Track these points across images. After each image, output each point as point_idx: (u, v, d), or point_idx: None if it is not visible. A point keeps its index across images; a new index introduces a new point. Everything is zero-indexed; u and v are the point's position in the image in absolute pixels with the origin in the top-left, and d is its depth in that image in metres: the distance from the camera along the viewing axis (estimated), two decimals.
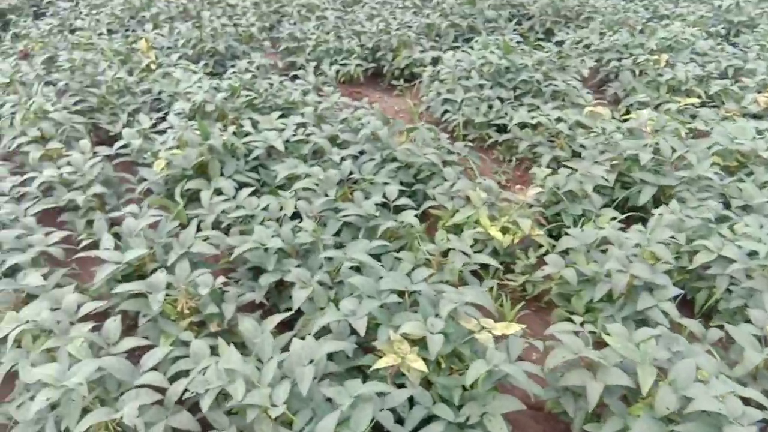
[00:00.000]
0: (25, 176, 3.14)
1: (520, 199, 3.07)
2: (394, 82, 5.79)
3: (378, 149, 3.52)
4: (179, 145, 3.38)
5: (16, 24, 6.46)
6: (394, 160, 3.48)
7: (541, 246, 2.96)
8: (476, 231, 2.84)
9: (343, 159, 3.38)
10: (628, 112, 4.87)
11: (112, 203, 3.24)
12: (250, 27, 5.82)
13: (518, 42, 5.45)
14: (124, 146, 3.61)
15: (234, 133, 3.61)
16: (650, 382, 1.88)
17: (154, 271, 2.47)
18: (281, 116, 3.98)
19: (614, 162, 3.51)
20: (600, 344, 2.13)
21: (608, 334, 2.08)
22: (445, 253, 2.78)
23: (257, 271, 2.74)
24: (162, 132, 3.92)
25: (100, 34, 5.86)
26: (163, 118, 4.16)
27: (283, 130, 3.76)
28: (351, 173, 3.22)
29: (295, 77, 5.07)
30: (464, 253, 2.62)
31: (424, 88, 5.36)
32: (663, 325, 2.25)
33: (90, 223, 3.15)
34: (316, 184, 3.05)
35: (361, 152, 3.54)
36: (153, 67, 4.94)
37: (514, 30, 6.79)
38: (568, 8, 6.89)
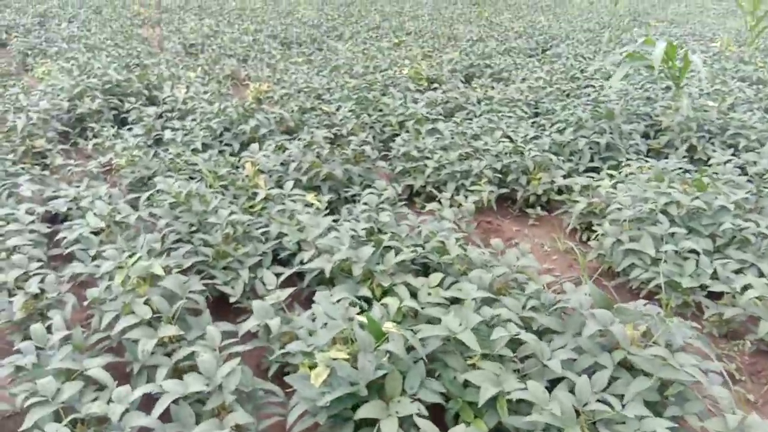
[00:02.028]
0: (138, 391, 2.27)
1: None
2: (528, 210, 4.95)
3: (599, 346, 2.58)
4: (336, 341, 2.50)
5: (99, 134, 5.91)
6: (625, 363, 2.53)
7: None
8: None
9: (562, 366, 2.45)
10: None
11: (252, 429, 2.34)
12: (362, 146, 5.10)
13: (685, 171, 4.59)
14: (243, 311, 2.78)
15: (398, 310, 2.75)
16: None
17: None
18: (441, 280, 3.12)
19: None
20: None
21: None
22: None
23: None
24: (288, 283, 3.07)
25: (193, 149, 5.21)
26: (298, 277, 3.35)
27: (451, 303, 2.89)
28: (586, 403, 2.27)
29: (431, 212, 4.25)
30: None
31: (574, 221, 4.49)
32: None
33: None
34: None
35: (576, 349, 2.61)
36: (261, 193, 4.19)
37: (648, 146, 5.97)
38: (708, 121, 6.06)
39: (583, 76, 8.75)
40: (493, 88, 8.25)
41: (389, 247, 3.38)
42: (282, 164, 4.83)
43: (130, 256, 3.13)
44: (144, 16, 15.13)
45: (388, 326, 2.47)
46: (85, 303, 2.88)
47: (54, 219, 4.14)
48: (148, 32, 12.98)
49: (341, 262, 3.22)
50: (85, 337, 2.72)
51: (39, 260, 3.38)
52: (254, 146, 4.85)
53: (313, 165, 4.64)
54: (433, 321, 2.87)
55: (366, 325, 2.47)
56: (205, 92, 7.02)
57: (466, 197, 4.55)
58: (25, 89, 7.19)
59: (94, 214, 3.57)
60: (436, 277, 3.10)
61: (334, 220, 3.86)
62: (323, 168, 4.60)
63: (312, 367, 2.43)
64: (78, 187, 4.41)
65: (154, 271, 2.89)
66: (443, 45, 11.93)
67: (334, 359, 2.35)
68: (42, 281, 3.11)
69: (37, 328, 2.58)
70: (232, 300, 3.17)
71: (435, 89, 8.18)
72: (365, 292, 3.08)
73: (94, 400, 2.34)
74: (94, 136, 6.16)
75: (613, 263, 3.80)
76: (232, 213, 3.71)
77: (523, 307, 2.85)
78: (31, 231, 3.60)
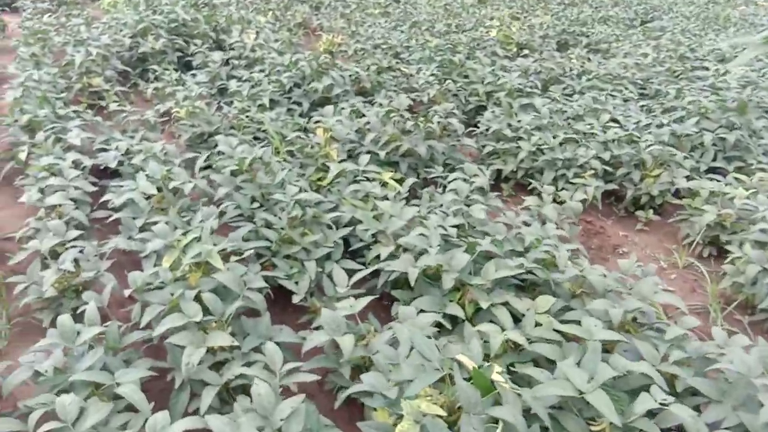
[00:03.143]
0: (177, 426, 1.78)
1: None
2: (638, 213, 4.22)
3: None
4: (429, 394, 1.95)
5: (160, 77, 5.45)
6: None
7: None
8: None
9: None
10: None
11: None
12: (447, 118, 4.45)
13: None
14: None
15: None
16: None
17: None
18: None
19: None
20: None
21: None
22: None
23: None
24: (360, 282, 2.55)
25: (260, 105, 4.67)
26: (373, 275, 2.81)
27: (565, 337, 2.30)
28: None
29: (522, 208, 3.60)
30: None
31: (700, 235, 3.76)
32: None
33: None
34: None
35: (737, 429, 1.98)
36: (333, 167, 3.62)
37: None
38: None
39: (694, 56, 7.72)
40: (589, 59, 7.36)
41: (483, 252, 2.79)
42: (357, 131, 4.24)
43: (184, 234, 2.65)
44: None
45: (497, 377, 1.90)
46: (127, 292, 2.41)
47: (103, 173, 3.71)
48: None
49: (432, 270, 2.66)
50: (122, 333, 2.27)
51: (79, 225, 2.95)
52: (328, 109, 4.26)
53: (392, 138, 4.03)
54: (541, 361, 2.30)
55: (470, 372, 1.91)
56: (276, 40, 6.44)
57: (569, 192, 3.87)
58: (88, 20, 6.79)
59: (146, 175, 3.09)
60: (544, 301, 2.49)
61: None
62: (404, 143, 3.99)
63: (393, 416, 1.91)
64: (132, 138, 3.97)
65: (211, 260, 2.40)
66: (532, 6, 10.93)
67: (427, 415, 1.80)
68: (81, 252, 2.68)
69: (64, 320, 2.13)
70: (295, 299, 2.65)
71: (525, 56, 7.37)
72: (455, 309, 2.51)
73: (124, 426, 1.89)
74: (155, 79, 5.71)
75: (754, 296, 3.10)
76: (300, 190, 3.17)
77: (663, 359, 2.23)
78: (75, 188, 3.17)
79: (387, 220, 2.99)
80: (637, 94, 6.02)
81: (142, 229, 2.89)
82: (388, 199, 3.31)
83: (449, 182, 3.62)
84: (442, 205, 3.37)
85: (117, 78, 5.44)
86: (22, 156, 3.45)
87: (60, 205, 2.95)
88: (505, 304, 2.52)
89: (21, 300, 2.57)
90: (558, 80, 6.26)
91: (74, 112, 4.07)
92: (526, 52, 7.51)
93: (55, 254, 2.72)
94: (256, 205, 3.13)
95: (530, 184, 4.37)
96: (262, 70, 5.51)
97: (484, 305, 2.45)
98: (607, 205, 4.39)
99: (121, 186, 3.20)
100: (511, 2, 11.05)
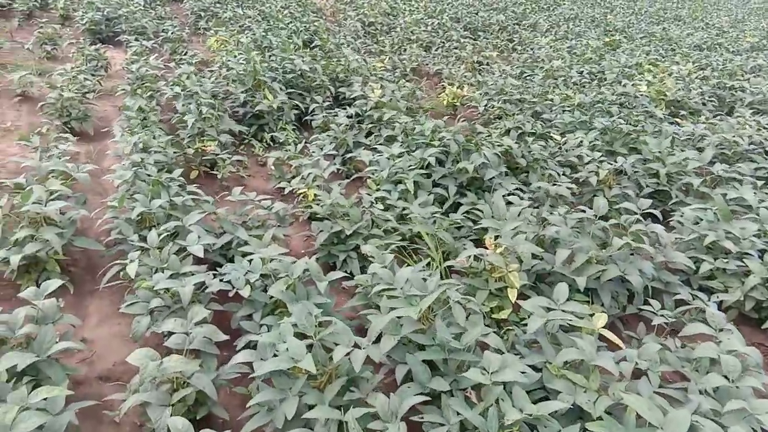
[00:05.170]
0: None
1: None
2: None
3: None
4: None
5: (283, 144, 4.71)
6: None
7: None
8: None
9: None
10: None
11: None
12: (646, 220, 3.43)
13: None
14: None
15: None
16: None
17: None
18: None
19: None
20: None
21: None
22: None
23: None
24: None
25: (402, 190, 3.80)
26: None
27: None
28: None
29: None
30: None
31: None
32: None
33: None
34: None
35: None
36: (534, 323, 2.68)
37: None
38: None
39: None
40: (758, 123, 6.14)
41: None
42: (534, 237, 3.30)
43: None
44: None
45: None
46: None
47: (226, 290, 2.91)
48: (321, 1, 11.95)
49: None
50: None
51: (203, 402, 2.14)
52: (499, 206, 3.31)
53: (592, 259, 3.06)
54: None
55: None
56: (402, 97, 5.60)
57: None
58: (196, 65, 6.24)
59: (294, 326, 2.25)
60: None
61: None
62: (609, 266, 3.01)
63: None
64: (259, 236, 3.20)
65: None
66: (667, 51, 9.72)
67: None
68: None
69: None
70: None
71: (682, 116, 6.26)
72: None
73: None
74: (272, 140, 5.01)
75: None
76: (500, 353, 2.25)
77: None
78: (194, 322, 2.37)
79: (641, 429, 2.03)
80: None
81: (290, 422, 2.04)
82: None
83: (674, 327, 2.63)
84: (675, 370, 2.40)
85: (231, 141, 4.75)
86: (131, 270, 2.72)
87: (182, 375, 2.16)
88: None
89: None
90: (743, 156, 5.11)
91: (193, 199, 3.34)
92: (683, 112, 6.39)
93: None
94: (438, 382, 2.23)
95: (763, 320, 3.30)
96: (392, 137, 4.70)
97: None
98: None
99: (256, 328, 2.38)
100: (643, 45, 9.88)
